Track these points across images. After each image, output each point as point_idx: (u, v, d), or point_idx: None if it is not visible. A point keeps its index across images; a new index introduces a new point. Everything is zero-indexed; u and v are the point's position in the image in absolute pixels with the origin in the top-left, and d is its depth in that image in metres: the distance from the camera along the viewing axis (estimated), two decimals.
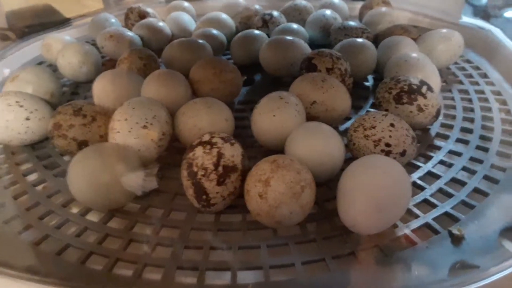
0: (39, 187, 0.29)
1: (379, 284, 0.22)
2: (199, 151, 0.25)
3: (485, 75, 0.42)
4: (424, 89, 0.31)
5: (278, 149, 0.30)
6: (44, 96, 0.35)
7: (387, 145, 0.27)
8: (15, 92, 0.32)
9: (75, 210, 0.27)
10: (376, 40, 0.44)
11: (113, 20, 0.53)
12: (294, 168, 0.23)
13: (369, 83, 0.42)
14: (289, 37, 0.41)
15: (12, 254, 0.24)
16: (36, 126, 0.32)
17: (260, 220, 0.24)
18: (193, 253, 0.24)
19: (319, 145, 0.27)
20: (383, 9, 0.50)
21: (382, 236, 0.24)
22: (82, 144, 0.29)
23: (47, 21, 0.63)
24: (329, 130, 0.27)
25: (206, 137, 0.26)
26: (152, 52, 0.41)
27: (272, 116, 0.29)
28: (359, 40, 0.40)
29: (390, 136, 0.27)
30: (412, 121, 0.31)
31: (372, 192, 0.22)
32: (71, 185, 0.25)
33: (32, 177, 0.30)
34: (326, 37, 0.48)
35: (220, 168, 0.24)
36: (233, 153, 0.25)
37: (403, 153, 0.27)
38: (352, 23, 0.46)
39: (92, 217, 0.27)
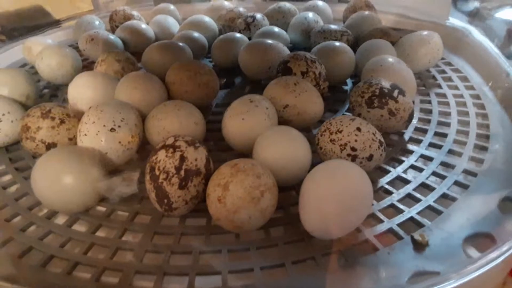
0: (9, 189, 0.29)
1: None
2: (161, 154, 0.25)
3: (465, 79, 0.41)
4: (395, 93, 0.31)
5: (247, 152, 0.30)
6: (20, 99, 0.35)
7: (353, 149, 0.27)
8: None
9: (41, 212, 0.27)
10: (357, 43, 0.44)
11: (97, 23, 0.53)
12: (255, 172, 0.23)
13: (348, 87, 0.42)
14: (268, 40, 0.41)
15: None
16: (8, 128, 0.32)
17: (220, 224, 0.23)
18: (154, 257, 0.24)
19: (285, 149, 0.26)
20: (366, 12, 0.50)
21: (344, 241, 0.24)
22: (51, 147, 0.29)
23: (38, 23, 0.63)
24: (296, 134, 0.27)
25: (169, 141, 0.25)
26: (130, 55, 0.41)
27: (241, 119, 0.29)
28: (336, 43, 0.40)
29: (356, 141, 0.27)
30: (384, 125, 0.31)
31: (332, 197, 0.22)
32: (35, 187, 0.25)
33: (3, 179, 0.30)
34: (307, 40, 0.48)
35: (182, 172, 0.24)
36: (196, 156, 0.25)
37: (369, 158, 0.27)
38: (333, 26, 0.46)
39: (58, 220, 0.27)
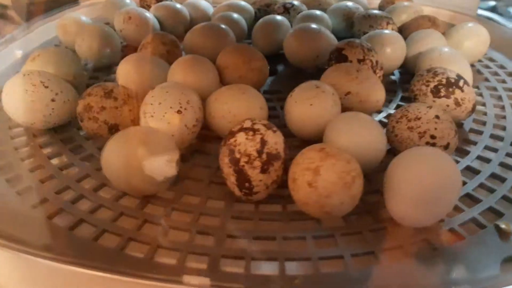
0: (66, 171, 0.28)
1: (430, 278, 0.21)
2: (241, 137, 0.24)
3: (511, 74, 0.41)
4: (461, 82, 0.31)
5: (312, 139, 0.29)
6: (66, 78, 0.34)
7: (432, 137, 0.26)
8: (38, 72, 0.31)
9: (108, 195, 0.26)
10: (401, 31, 0.44)
11: (128, 1, 0.51)
12: (344, 157, 0.22)
13: (395, 76, 0.41)
14: (315, 26, 0.40)
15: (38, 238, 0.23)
16: (60, 108, 0.30)
17: (306, 210, 0.23)
18: (236, 242, 0.23)
19: (361, 135, 0.26)
20: (405, 3, 0.50)
21: (430, 230, 0.23)
22: (113, 128, 0.28)
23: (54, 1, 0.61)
24: (370, 120, 0.27)
25: (247, 123, 0.25)
26: (174, 37, 0.40)
27: (309, 105, 0.29)
28: (387, 31, 0.39)
29: (435, 128, 0.26)
30: None
31: (424, 185, 0.21)
32: (106, 168, 0.25)
33: (57, 161, 0.29)
34: (348, 27, 0.47)
35: (264, 155, 0.23)
36: (276, 140, 0.24)
37: (446, 146, 0.26)
38: (376, 11, 0.45)
39: (127, 202, 0.26)
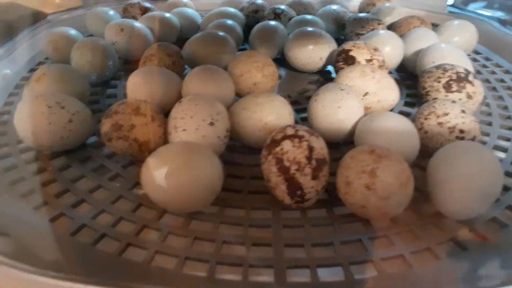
0: (99, 193, 0.27)
1: (487, 265, 0.22)
2: (287, 145, 0.24)
3: (497, 65, 0.44)
4: (471, 76, 0.32)
5: (336, 141, 0.30)
6: (75, 96, 0.32)
7: (461, 131, 0.27)
8: (52, 93, 0.29)
9: (149, 215, 0.25)
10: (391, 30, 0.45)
11: (112, 13, 0.50)
12: (395, 157, 0.23)
13: (393, 75, 0.43)
14: (315, 29, 0.41)
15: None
16: (78, 129, 0.29)
17: (362, 212, 0.23)
18: (296, 251, 0.23)
19: (395, 134, 0.27)
20: (387, 4, 0.51)
21: (474, 220, 0.24)
22: (143, 146, 0.27)
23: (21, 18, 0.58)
24: (403, 119, 0.28)
25: (290, 130, 0.25)
26: (178, 48, 0.39)
27: (337, 108, 0.29)
28: (383, 32, 0.41)
29: (463, 123, 0.27)
30: None
31: (474, 178, 0.23)
32: (147, 186, 0.24)
33: (84, 183, 0.28)
34: (338, 29, 0.48)
35: (313, 162, 0.24)
36: (321, 145, 0.25)
37: (473, 139, 0.28)
38: (364, 14, 0.46)
39: (170, 220, 0.25)
